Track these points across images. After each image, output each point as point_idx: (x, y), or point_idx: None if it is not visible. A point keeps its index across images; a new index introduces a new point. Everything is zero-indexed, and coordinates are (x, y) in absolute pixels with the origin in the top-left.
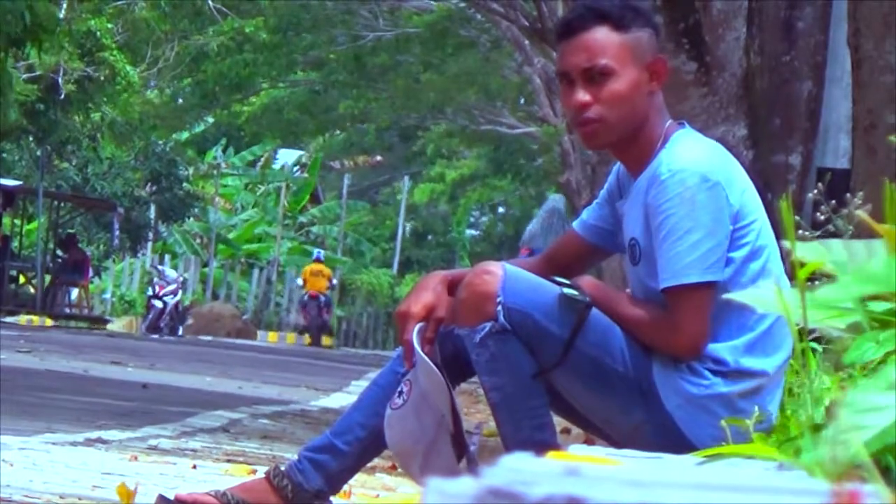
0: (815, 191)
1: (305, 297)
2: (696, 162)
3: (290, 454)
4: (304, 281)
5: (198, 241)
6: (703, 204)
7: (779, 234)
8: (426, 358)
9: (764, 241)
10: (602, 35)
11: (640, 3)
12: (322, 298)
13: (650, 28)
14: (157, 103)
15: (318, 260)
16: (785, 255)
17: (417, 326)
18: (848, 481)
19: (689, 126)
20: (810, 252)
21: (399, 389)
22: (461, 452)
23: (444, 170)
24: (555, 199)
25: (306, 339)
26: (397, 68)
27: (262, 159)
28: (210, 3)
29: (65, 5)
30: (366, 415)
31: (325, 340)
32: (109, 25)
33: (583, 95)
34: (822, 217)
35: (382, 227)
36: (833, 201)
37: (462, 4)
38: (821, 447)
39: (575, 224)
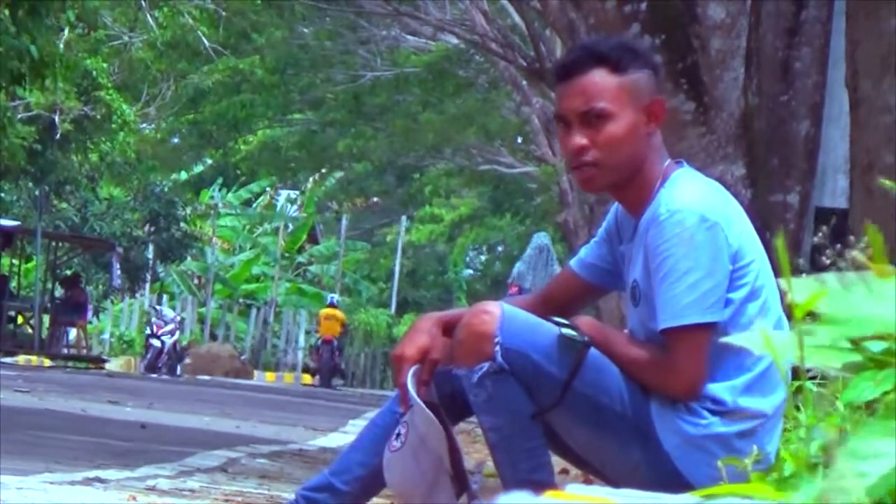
0: (820, 234)
1: (319, 341)
2: (695, 202)
3: (288, 494)
4: (319, 325)
5: (195, 281)
6: (701, 244)
7: (777, 274)
8: (420, 402)
9: (763, 282)
10: (599, 78)
11: (639, 43)
12: (335, 342)
13: (649, 69)
14: (154, 143)
15: (331, 305)
16: (783, 295)
17: (412, 369)
18: None
19: (687, 165)
20: (805, 288)
21: (397, 432)
22: (462, 492)
23: (442, 209)
24: (540, 237)
25: (305, 378)
26: (396, 108)
27: (264, 199)
28: (206, 42)
29: (61, 45)
30: (364, 454)
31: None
32: (105, 65)
33: (580, 139)
34: (828, 261)
35: (378, 267)
36: (839, 245)
37: (461, 45)
38: (818, 489)
39: (572, 263)
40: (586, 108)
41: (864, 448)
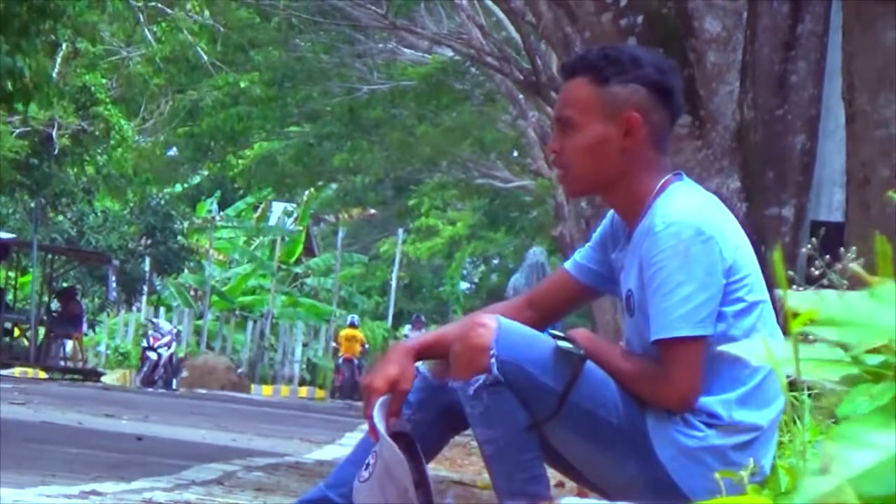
0: (809, 245)
1: (340, 360)
2: (691, 215)
3: None
4: (339, 345)
5: (192, 293)
6: (696, 257)
7: (772, 287)
8: (384, 434)
9: (757, 297)
10: (577, 86)
11: (640, 56)
12: (355, 361)
13: (638, 83)
14: (150, 155)
15: (352, 325)
16: (778, 308)
17: (380, 400)
18: None
19: (686, 178)
20: (803, 302)
21: (367, 461)
22: None
23: (438, 221)
24: (536, 254)
25: (300, 391)
26: (392, 121)
27: (258, 211)
28: (204, 57)
29: (59, 61)
30: (360, 467)
31: (318, 393)
32: (104, 80)
33: (553, 143)
34: (817, 272)
35: (373, 280)
36: (827, 256)
37: (457, 58)
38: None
39: (567, 265)
40: (558, 114)
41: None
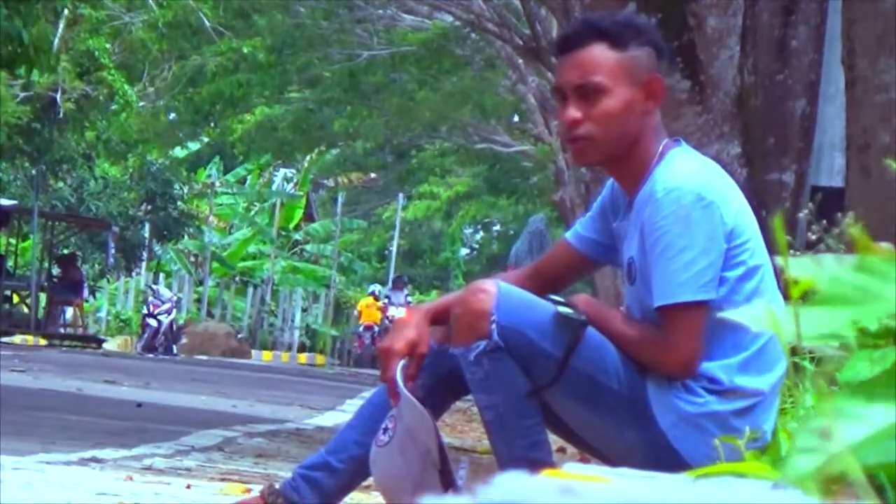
0: (806, 210)
1: (361, 328)
2: (692, 180)
3: (285, 473)
4: (360, 313)
5: (192, 259)
6: (697, 222)
7: (772, 253)
8: (409, 395)
9: (758, 261)
10: (598, 52)
11: (643, 21)
12: (375, 328)
13: (650, 47)
14: (151, 119)
15: (372, 295)
16: (778, 273)
17: (401, 363)
18: (842, 499)
19: (685, 143)
20: (802, 268)
21: (384, 426)
22: (448, 488)
23: (439, 188)
24: (537, 220)
25: (300, 357)
26: (392, 86)
27: (259, 178)
28: (207, 22)
29: (62, 25)
30: (361, 433)
31: (319, 359)
32: (107, 45)
33: (574, 112)
34: (814, 236)
35: (372, 245)
36: (824, 221)
37: (457, 23)
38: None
39: (568, 235)
40: (582, 81)
41: (852, 408)
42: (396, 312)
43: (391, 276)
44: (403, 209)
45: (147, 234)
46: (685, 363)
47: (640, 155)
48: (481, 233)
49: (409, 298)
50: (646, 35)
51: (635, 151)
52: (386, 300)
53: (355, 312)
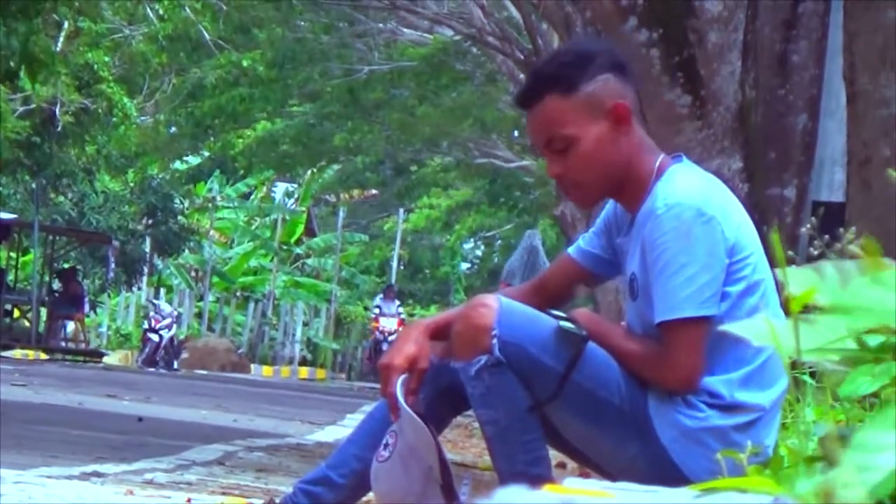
0: (808, 225)
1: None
2: (692, 196)
3: (286, 487)
4: (374, 326)
5: (193, 274)
6: (698, 238)
7: (773, 267)
8: (410, 411)
9: (760, 276)
10: (552, 104)
11: (593, 46)
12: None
13: (606, 72)
14: (151, 132)
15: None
16: (780, 288)
17: (401, 379)
18: None
19: (685, 159)
20: (802, 279)
21: (385, 441)
22: (451, 502)
23: (439, 200)
24: (532, 236)
25: (301, 372)
26: (392, 101)
27: (260, 191)
28: (207, 36)
29: (62, 38)
30: (361, 447)
31: (319, 374)
32: (107, 59)
33: (554, 168)
34: (816, 252)
35: (373, 259)
36: (826, 236)
37: (458, 38)
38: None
39: (571, 250)
40: (548, 137)
41: (871, 441)
42: (388, 324)
43: None
44: (404, 222)
45: (148, 249)
46: (686, 379)
47: (636, 175)
48: (482, 247)
49: (401, 309)
50: (598, 61)
51: (630, 175)
52: (377, 310)
53: (369, 326)
